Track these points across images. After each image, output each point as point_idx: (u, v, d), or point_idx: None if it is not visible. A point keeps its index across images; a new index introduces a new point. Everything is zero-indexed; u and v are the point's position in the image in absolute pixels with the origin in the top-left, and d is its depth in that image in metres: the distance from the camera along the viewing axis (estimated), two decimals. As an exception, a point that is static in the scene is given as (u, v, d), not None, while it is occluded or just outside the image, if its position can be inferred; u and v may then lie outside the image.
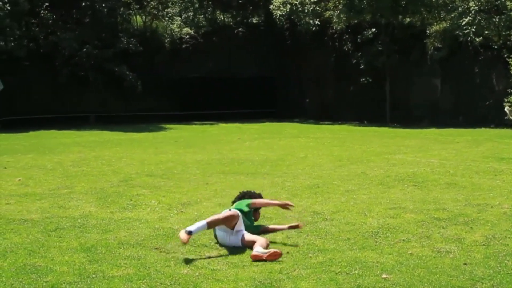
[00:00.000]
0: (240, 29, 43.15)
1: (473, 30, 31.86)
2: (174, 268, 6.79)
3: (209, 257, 7.20)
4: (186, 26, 43.11)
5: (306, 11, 37.32)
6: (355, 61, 36.78)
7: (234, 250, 7.46)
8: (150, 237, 8.16)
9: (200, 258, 7.16)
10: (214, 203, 10.55)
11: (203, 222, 7.55)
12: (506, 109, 31.01)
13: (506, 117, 31.20)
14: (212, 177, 13.70)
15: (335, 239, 7.95)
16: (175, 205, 10.37)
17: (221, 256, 7.26)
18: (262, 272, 6.59)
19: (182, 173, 14.46)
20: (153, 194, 11.51)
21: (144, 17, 42.39)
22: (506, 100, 30.61)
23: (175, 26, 42.90)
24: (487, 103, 32.58)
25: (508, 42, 31.38)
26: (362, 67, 36.10)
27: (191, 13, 44.10)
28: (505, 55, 30.53)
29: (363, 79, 36.14)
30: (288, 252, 7.31)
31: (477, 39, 32.01)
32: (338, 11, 35.97)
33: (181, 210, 9.96)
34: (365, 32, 36.40)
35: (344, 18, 35.74)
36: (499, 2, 31.53)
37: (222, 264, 6.91)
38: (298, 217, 9.22)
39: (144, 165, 15.96)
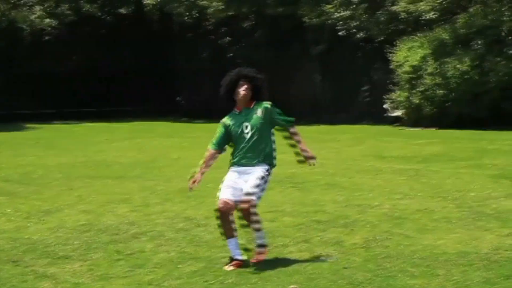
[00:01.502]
0: (107, 19, 42.48)
1: (354, 24, 32.72)
2: (32, 282, 6.59)
3: (72, 270, 7.03)
4: (48, 17, 41.98)
5: (179, 0, 37.22)
6: (231, 55, 36.95)
7: (100, 261, 7.31)
8: (6, 249, 7.89)
9: (62, 271, 6.98)
10: (78, 210, 10.34)
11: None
12: (387, 105, 32.00)
13: (386, 114, 32.19)
14: (76, 182, 13.43)
15: (209, 247, 7.93)
16: (34, 213, 10.09)
17: (84, 268, 7.10)
18: (130, 285, 6.50)
19: (42, 178, 14.11)
20: (9, 201, 11.17)
21: (0, 6, 41.03)
22: (386, 96, 31.56)
23: (35, 16, 41.70)
24: (367, 99, 33.53)
25: (388, 37, 32.33)
26: (238, 60, 36.37)
27: (53, 2, 42.99)
28: (385, 50, 31.43)
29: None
30: (157, 263, 7.24)
31: (358, 35, 32.88)
32: (215, 2, 36.06)
33: (41, 219, 9.70)
34: (242, 24, 36.61)
35: (221, 8, 35.84)
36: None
37: (86, 277, 6.76)
38: (170, 224, 9.15)
39: (0, 170, 15.47)
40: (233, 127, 7.50)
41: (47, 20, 41.50)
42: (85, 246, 7.98)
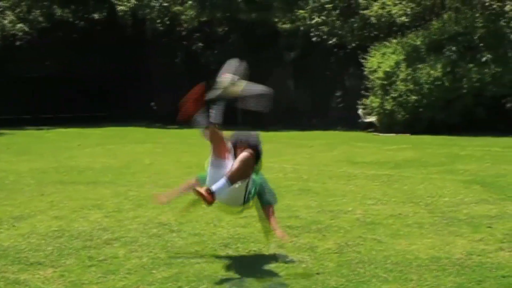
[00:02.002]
0: (80, 24, 42.31)
1: (327, 30, 32.86)
2: (3, 290, 6.55)
3: (44, 276, 6.98)
4: (20, 22, 41.70)
5: (152, 6, 37.15)
6: (204, 60, 36.93)
7: (72, 267, 7.27)
8: (-24, 255, 7.82)
9: (34, 278, 6.92)
10: (50, 216, 10.26)
11: (222, 180, 6.78)
12: (360, 111, 32.15)
13: (359, 120, 32.34)
14: (48, 188, 13.33)
15: (182, 252, 7.92)
16: (5, 219, 9.99)
17: (57, 274, 7.05)
18: (102, 291, 6.47)
19: (14, 183, 13.99)
20: (-20, 207, 11.05)
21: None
22: (359, 102, 31.72)
23: (7, 21, 41.39)
24: (340, 105, 33.67)
25: (361, 42, 32.51)
26: (212, 67, 36.35)
27: (25, 8, 42.71)
28: (359, 55, 31.60)
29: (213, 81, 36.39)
30: (130, 269, 7.22)
31: (331, 40, 33.02)
32: (188, 7, 36.04)
33: (12, 225, 9.60)
34: (216, 29, 36.63)
35: (194, 14, 35.84)
36: (353, 1, 32.69)
37: (58, 283, 6.70)
38: (143, 230, 9.12)
39: (-29, 175, 15.32)
40: None
41: (19, 25, 41.23)
42: (58, 252, 7.91)
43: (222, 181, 6.81)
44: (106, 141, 26.13)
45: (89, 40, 41.45)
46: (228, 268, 7.20)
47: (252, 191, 7.38)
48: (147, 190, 12.71)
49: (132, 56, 41.62)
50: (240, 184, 7.03)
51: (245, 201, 7.37)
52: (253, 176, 7.26)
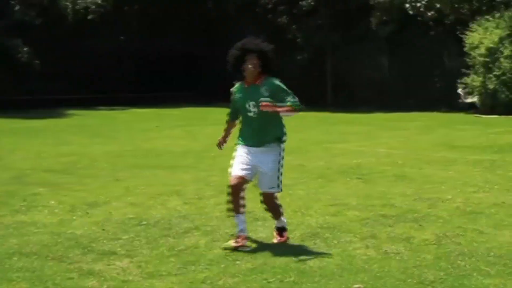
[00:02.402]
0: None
1: (424, 2, 32.38)
2: (77, 280, 6.65)
3: (120, 267, 7.09)
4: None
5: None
6: (290, 36, 36.88)
7: (150, 257, 7.36)
8: (48, 244, 7.97)
9: (109, 268, 7.04)
10: (126, 202, 10.43)
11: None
12: (460, 91, 31.64)
13: (459, 100, 31.84)
14: (124, 172, 13.56)
15: (267, 242, 7.94)
16: (79, 206, 10.20)
17: (133, 265, 7.16)
18: (182, 283, 6.52)
19: (87, 168, 14.27)
20: (52, 193, 11.31)
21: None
22: (459, 81, 31.20)
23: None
24: (439, 84, 33.18)
25: (461, 16, 31.96)
26: (299, 42, 36.26)
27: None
28: (458, 31, 31.07)
29: (301, 57, 36.30)
30: (211, 259, 7.27)
31: (428, 13, 32.53)
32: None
33: (86, 212, 9.80)
34: (302, 3, 36.48)
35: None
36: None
37: (134, 275, 6.81)
38: (225, 218, 9.18)
39: (42, 159, 15.71)
40: (238, 100, 7.91)
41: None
42: (134, 241, 8.04)
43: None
44: (185, 123, 26.44)
45: (167, 13, 41.59)
46: (316, 259, 7.18)
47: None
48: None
49: (213, 32, 41.76)
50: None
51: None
52: None
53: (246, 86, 7.83)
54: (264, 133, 7.75)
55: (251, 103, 7.70)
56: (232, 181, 7.70)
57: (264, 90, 7.66)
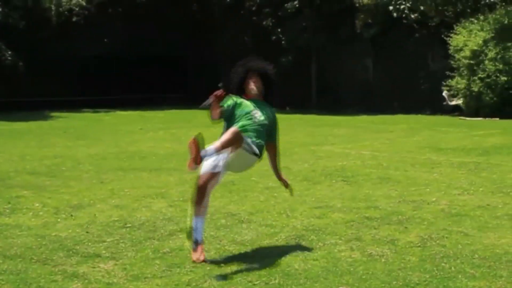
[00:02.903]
0: (140, -1, 42.60)
1: (408, 5, 32.50)
2: (61, 283, 6.63)
3: (104, 269, 7.08)
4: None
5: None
6: (275, 38, 36.92)
7: (135, 259, 7.36)
8: (32, 247, 7.94)
9: (93, 271, 7.03)
10: (110, 205, 10.41)
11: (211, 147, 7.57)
12: (445, 93, 31.75)
13: (444, 103, 31.96)
14: (108, 175, 13.53)
15: (252, 245, 7.96)
16: (63, 208, 10.18)
17: (118, 267, 7.15)
18: (167, 285, 6.52)
19: (72, 170, 14.23)
20: (36, 195, 11.26)
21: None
22: (444, 83, 31.31)
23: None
24: (423, 86, 33.30)
25: (445, 18, 32.08)
26: (283, 44, 36.28)
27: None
28: (443, 34, 31.18)
29: (285, 59, 36.34)
30: (194, 261, 7.27)
31: (412, 15, 32.65)
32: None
33: (70, 214, 9.77)
34: (286, 5, 36.53)
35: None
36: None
37: (119, 277, 6.80)
38: (210, 220, 9.19)
39: (26, 161, 15.63)
40: (240, 107, 7.76)
41: (76, -1, 41.62)
42: (119, 243, 8.03)
43: (211, 148, 7.69)
44: (169, 125, 26.40)
45: (150, 15, 41.55)
46: (301, 261, 7.20)
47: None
48: (214, 178, 12.77)
49: (197, 33, 41.74)
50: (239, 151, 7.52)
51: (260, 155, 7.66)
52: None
53: (247, 98, 7.82)
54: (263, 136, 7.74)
55: (258, 111, 7.65)
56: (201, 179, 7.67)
57: (270, 109, 7.80)
